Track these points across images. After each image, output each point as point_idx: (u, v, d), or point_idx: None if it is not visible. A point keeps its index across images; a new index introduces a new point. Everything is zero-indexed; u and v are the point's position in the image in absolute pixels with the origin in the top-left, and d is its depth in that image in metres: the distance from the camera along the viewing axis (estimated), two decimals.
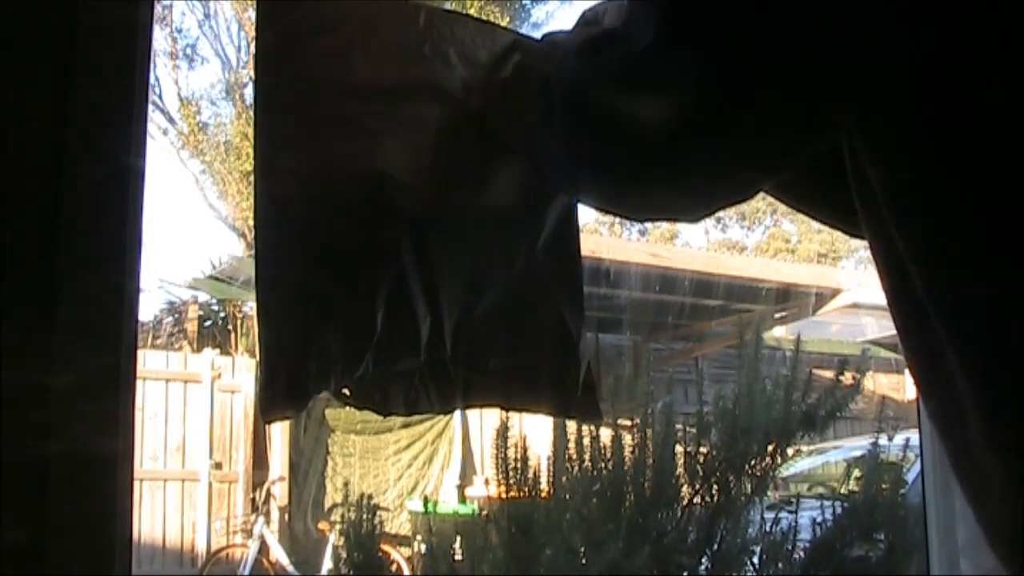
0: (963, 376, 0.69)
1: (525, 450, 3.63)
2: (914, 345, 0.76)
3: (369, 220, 1.15)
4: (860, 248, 19.83)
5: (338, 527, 5.73)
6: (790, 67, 0.72)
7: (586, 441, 3.68)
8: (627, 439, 3.66)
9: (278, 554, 7.15)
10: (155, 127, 11.78)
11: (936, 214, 0.70)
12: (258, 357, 1.08)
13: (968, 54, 0.68)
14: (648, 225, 19.64)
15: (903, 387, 9.59)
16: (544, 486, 3.63)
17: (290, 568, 7.11)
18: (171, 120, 12.23)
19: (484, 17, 9.31)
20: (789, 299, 9.06)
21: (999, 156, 0.67)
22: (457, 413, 7.35)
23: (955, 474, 0.75)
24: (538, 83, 0.95)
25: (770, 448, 3.65)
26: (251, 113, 1.90)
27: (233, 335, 9.35)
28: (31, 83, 0.83)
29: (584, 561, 3.54)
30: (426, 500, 5.27)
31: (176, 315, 9.92)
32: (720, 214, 20.66)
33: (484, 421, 8.22)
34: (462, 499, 7.83)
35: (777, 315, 9.25)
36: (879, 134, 0.72)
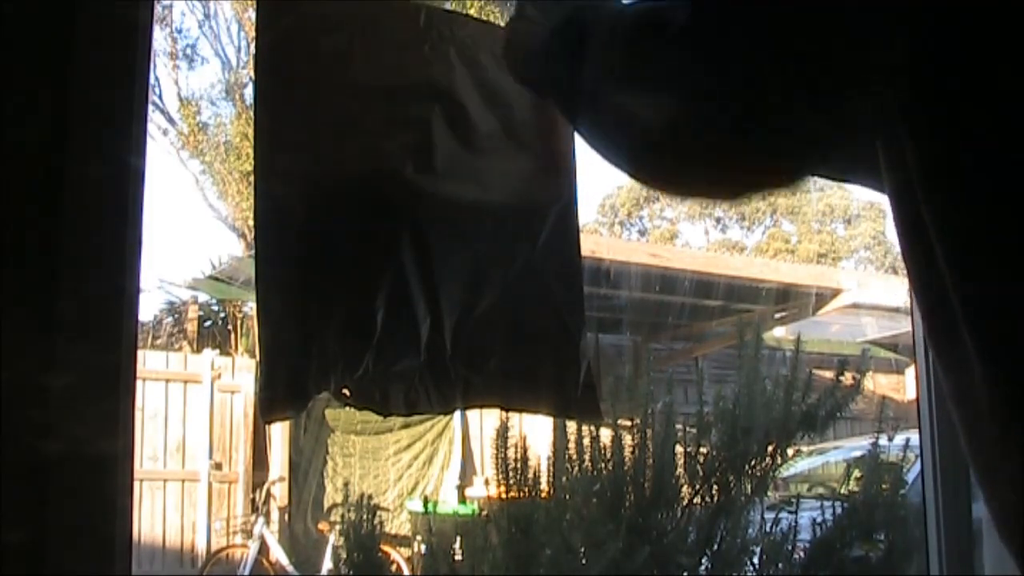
0: (977, 358, 0.69)
1: (525, 450, 3.63)
2: (932, 323, 0.76)
3: (369, 220, 1.15)
4: (860, 248, 19.84)
5: (338, 527, 5.73)
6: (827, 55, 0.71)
7: (586, 441, 3.68)
8: (627, 439, 3.66)
9: (278, 554, 7.15)
10: (155, 127, 11.77)
11: (962, 186, 0.71)
12: (258, 357, 1.08)
13: (992, 39, 0.69)
14: (648, 225, 19.64)
15: (903, 387, 9.59)
16: (544, 486, 3.63)
17: (290, 568, 7.11)
18: (171, 120, 12.23)
19: (484, 17, 9.31)
20: (789, 299, 9.05)
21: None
22: (457, 413, 7.35)
23: (966, 452, 0.75)
24: (572, 21, 0.91)
25: (770, 448, 3.65)
26: (251, 113, 1.90)
27: (233, 335, 9.35)
28: (31, 83, 0.84)
29: (584, 561, 3.53)
30: (426, 500, 5.27)
31: (176, 315, 9.92)
32: (720, 214, 20.69)
33: (484, 421, 8.21)
34: (462, 499, 7.83)
35: (777, 315, 9.24)
36: (914, 111, 0.73)
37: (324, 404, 7.30)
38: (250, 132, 5.24)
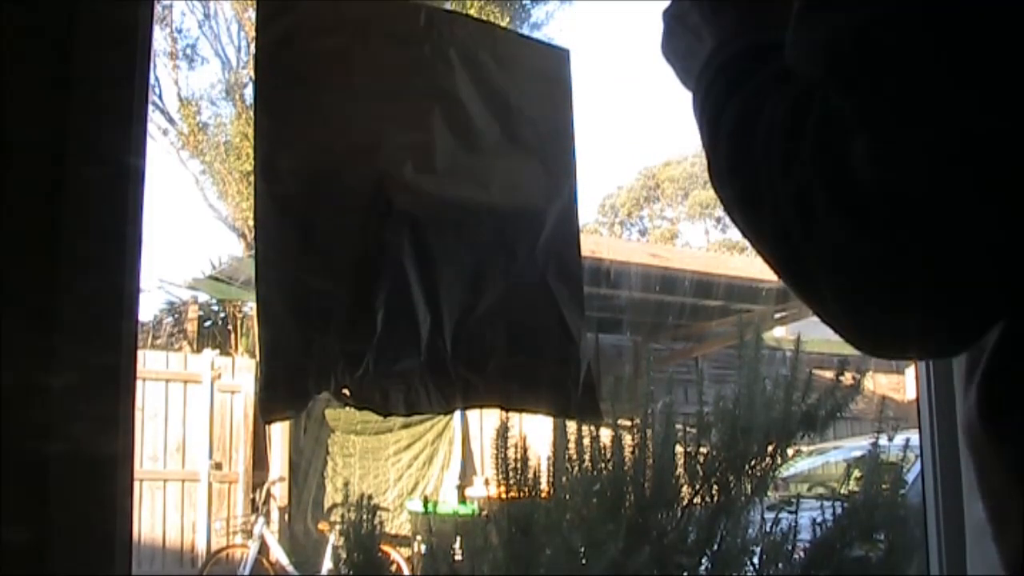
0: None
1: (525, 450, 3.63)
2: (993, 387, 0.70)
3: (369, 220, 1.15)
4: None
5: (338, 527, 5.73)
6: None
7: (586, 441, 3.68)
8: (627, 439, 3.66)
9: (278, 554, 7.14)
10: (155, 127, 11.75)
11: None
12: (258, 357, 1.08)
13: None
14: (648, 225, 19.65)
15: (903, 387, 9.58)
16: (544, 486, 3.63)
17: (290, 568, 7.11)
18: (171, 120, 12.22)
19: (484, 17, 9.31)
20: (789, 299, 9.04)
21: None
22: (457, 413, 7.35)
23: (979, 490, 0.72)
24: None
25: (770, 448, 3.65)
26: (251, 113, 1.90)
27: (233, 335, 9.36)
28: (31, 83, 0.84)
29: (584, 561, 3.53)
30: (426, 500, 5.27)
31: (176, 315, 9.92)
32: (719, 213, 20.67)
33: (484, 421, 8.21)
34: (462, 499, 7.83)
35: (777, 315, 9.23)
36: None
37: (324, 404, 7.29)
38: (250, 132, 5.24)
